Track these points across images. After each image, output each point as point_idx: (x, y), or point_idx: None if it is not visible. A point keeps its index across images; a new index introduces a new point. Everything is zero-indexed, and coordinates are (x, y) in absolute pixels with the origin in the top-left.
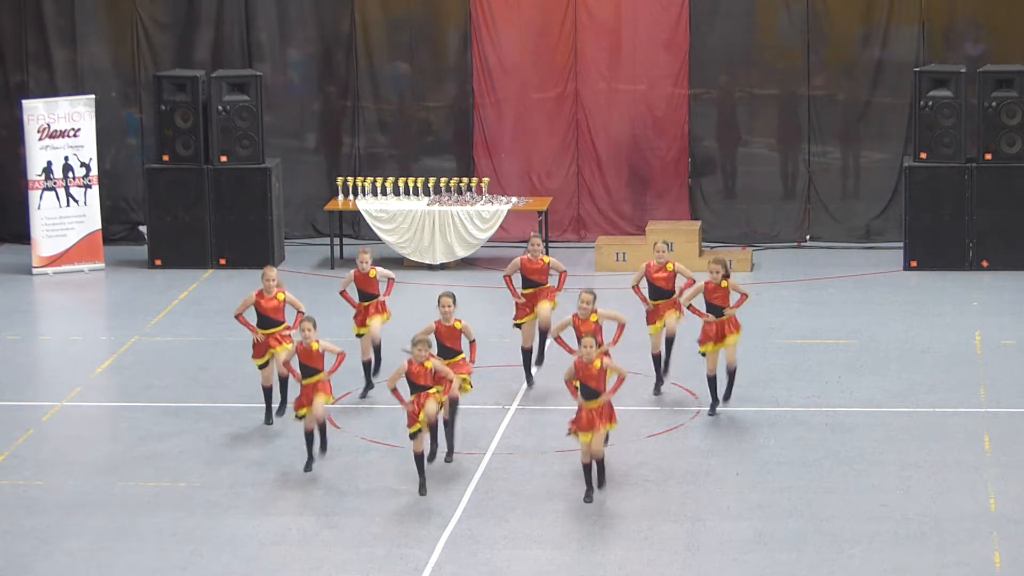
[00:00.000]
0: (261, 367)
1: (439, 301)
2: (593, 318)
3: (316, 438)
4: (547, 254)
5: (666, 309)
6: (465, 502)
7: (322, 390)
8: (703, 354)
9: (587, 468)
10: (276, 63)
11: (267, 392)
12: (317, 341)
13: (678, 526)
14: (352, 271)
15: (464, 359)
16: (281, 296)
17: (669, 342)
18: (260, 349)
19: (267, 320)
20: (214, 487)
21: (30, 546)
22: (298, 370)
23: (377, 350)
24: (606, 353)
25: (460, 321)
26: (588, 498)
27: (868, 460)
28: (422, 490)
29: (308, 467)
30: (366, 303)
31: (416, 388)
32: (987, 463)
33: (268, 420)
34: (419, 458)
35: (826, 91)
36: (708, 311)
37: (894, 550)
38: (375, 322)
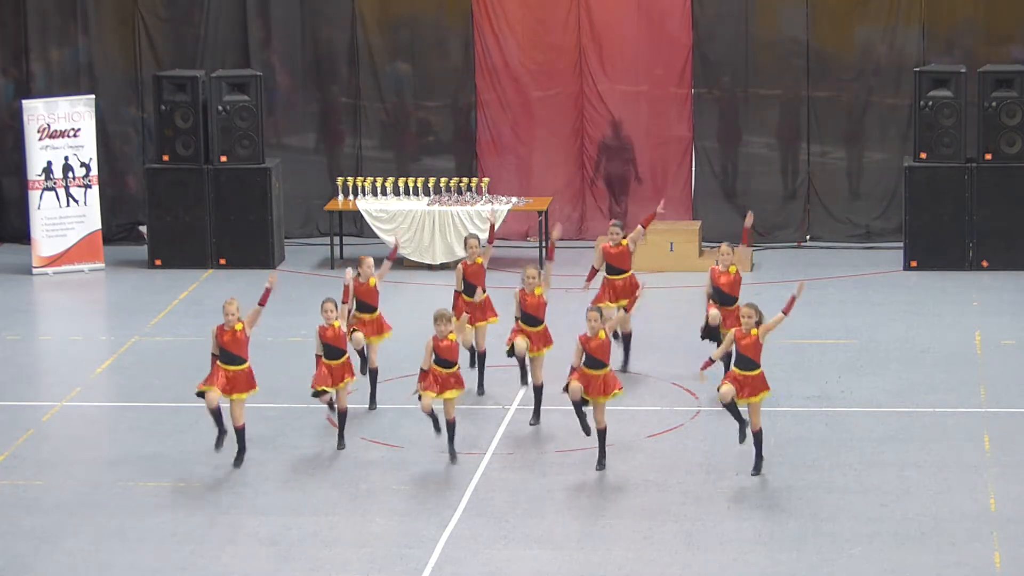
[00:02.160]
0: (203, 393)
1: (466, 243)
2: (538, 291)
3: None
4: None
5: (732, 316)
6: (465, 502)
7: (348, 374)
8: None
9: (577, 405)
10: (276, 63)
11: (215, 413)
12: (339, 320)
13: (678, 526)
14: (352, 278)
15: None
16: (240, 327)
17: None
18: (214, 378)
19: (228, 355)
20: (214, 487)
21: (30, 546)
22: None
23: (373, 376)
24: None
25: (482, 259)
26: (586, 431)
27: (868, 460)
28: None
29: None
30: (364, 315)
31: (444, 364)
32: (987, 463)
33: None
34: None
35: (827, 91)
36: (736, 364)
37: (894, 550)
38: (374, 347)
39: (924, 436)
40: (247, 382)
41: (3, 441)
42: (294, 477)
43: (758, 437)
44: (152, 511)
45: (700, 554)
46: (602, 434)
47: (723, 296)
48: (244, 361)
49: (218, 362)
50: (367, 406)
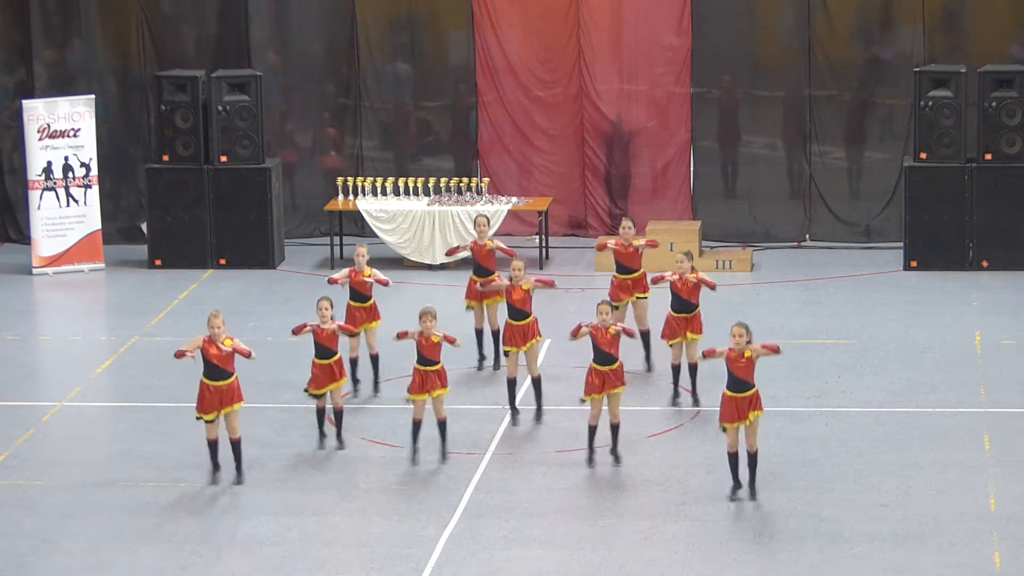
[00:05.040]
0: (208, 422)
1: (475, 222)
2: (525, 286)
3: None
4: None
5: (688, 325)
6: (465, 502)
7: (340, 373)
8: (724, 428)
9: (592, 430)
10: (277, 62)
11: (212, 445)
12: (332, 320)
13: (678, 526)
14: (349, 269)
15: (498, 276)
16: (228, 343)
17: (692, 369)
18: (207, 403)
19: (215, 370)
20: (214, 487)
21: (30, 546)
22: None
23: (375, 361)
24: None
25: (492, 240)
26: (591, 463)
27: (868, 460)
28: (414, 459)
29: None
30: (357, 304)
31: (427, 362)
32: (987, 463)
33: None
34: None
35: (827, 91)
36: (729, 386)
37: (894, 550)
38: (372, 332)
39: (924, 436)
40: (236, 395)
41: (3, 441)
42: (294, 477)
43: (754, 458)
44: (152, 511)
45: (700, 554)
46: (615, 429)
47: (683, 304)
48: (231, 375)
49: (204, 379)
50: (372, 392)
